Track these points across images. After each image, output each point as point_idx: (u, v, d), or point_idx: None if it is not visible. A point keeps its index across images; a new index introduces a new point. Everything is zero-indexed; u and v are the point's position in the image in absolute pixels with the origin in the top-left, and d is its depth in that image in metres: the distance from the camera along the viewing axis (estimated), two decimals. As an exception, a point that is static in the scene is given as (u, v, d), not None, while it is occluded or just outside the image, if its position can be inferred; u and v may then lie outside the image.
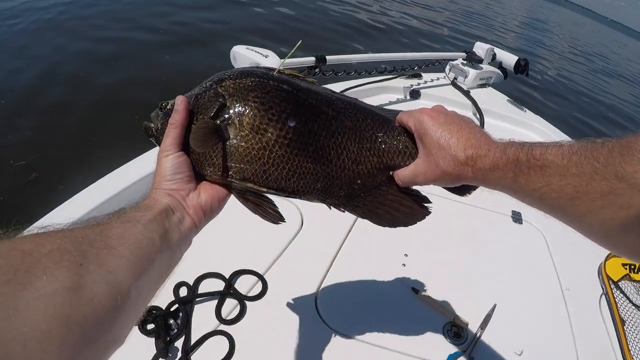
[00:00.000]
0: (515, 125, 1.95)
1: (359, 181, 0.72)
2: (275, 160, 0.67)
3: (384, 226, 0.73)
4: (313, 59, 1.54)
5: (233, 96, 0.68)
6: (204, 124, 0.66)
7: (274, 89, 0.68)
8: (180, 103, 0.68)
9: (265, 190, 0.69)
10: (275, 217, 0.70)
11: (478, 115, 1.86)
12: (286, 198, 0.71)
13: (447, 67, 2.18)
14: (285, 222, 0.68)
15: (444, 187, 0.73)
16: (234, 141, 0.67)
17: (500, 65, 2.35)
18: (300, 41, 0.78)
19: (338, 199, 0.72)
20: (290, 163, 0.68)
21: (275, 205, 0.70)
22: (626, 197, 0.46)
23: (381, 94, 1.93)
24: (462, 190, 0.74)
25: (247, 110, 0.67)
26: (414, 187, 0.74)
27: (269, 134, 0.66)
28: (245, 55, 1.45)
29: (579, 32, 26.78)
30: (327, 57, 1.56)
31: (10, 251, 0.40)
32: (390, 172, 0.73)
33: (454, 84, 2.10)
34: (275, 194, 0.70)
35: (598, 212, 0.49)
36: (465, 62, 2.20)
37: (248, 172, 0.68)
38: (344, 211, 0.73)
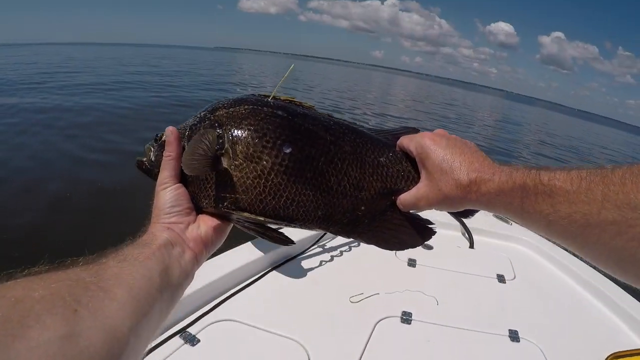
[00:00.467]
0: (503, 240, 2.04)
1: (362, 207, 0.70)
2: (272, 189, 0.66)
3: (392, 250, 0.71)
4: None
5: (226, 125, 0.67)
6: (200, 146, 0.65)
7: (268, 115, 0.67)
8: (170, 134, 0.67)
9: (262, 219, 0.66)
10: (282, 240, 0.68)
11: (467, 236, 1.97)
12: (287, 227, 0.69)
13: (434, 188, 2.34)
14: (294, 243, 0.66)
15: (446, 211, 0.73)
16: (229, 171, 0.66)
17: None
18: (292, 65, 0.75)
19: (341, 226, 0.69)
20: (288, 191, 0.66)
21: (279, 231, 0.68)
22: None
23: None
24: (465, 213, 0.73)
25: (241, 139, 0.66)
26: (417, 212, 0.73)
27: (264, 162, 0.65)
28: None
29: (550, 127, 28.38)
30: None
31: (1, 299, 0.38)
32: (393, 197, 0.72)
33: (441, 204, 2.24)
34: (274, 223, 0.68)
35: (609, 241, 0.48)
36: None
37: (244, 202, 0.66)
38: (349, 237, 0.71)
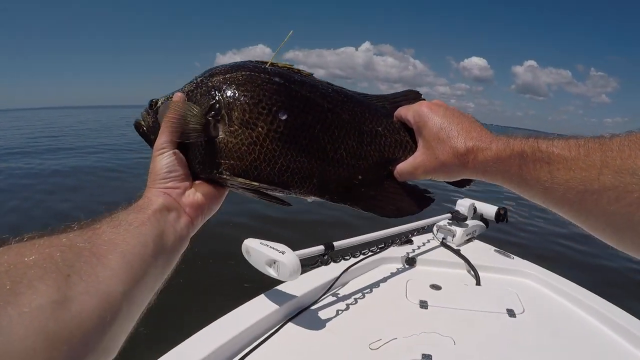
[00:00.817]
0: (507, 274, 2.08)
1: (359, 176, 0.70)
2: (267, 156, 0.65)
3: (389, 217, 0.72)
4: (322, 247, 1.70)
5: (223, 91, 0.66)
6: (192, 112, 0.64)
7: (265, 81, 0.67)
8: (178, 98, 0.67)
9: (257, 185, 0.66)
10: (280, 201, 0.68)
11: (473, 273, 2.01)
12: (282, 194, 0.68)
13: (435, 229, 2.39)
14: (291, 205, 0.68)
15: (443, 181, 0.72)
16: (224, 137, 0.65)
17: (481, 217, 2.57)
18: (291, 31, 0.75)
19: (337, 194, 0.69)
20: (283, 158, 0.65)
21: (274, 195, 0.68)
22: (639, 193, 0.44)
23: (381, 265, 2.08)
24: (461, 183, 0.74)
25: (237, 105, 0.65)
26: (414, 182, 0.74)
27: (260, 128, 0.65)
28: (259, 250, 1.52)
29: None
30: (335, 243, 1.73)
31: None
32: (390, 167, 0.72)
33: (443, 244, 2.29)
34: (269, 190, 0.67)
35: (606, 207, 0.47)
36: (450, 221, 2.42)
37: (239, 169, 0.65)
38: (345, 205, 0.70)
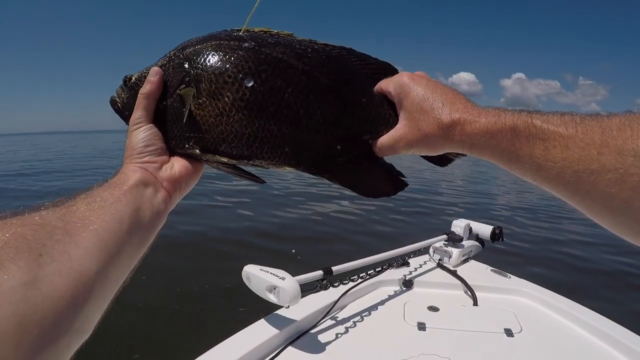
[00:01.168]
0: (504, 294, 2.09)
1: (338, 146, 0.67)
2: (234, 126, 0.63)
3: (361, 194, 0.69)
4: (320, 272, 1.72)
5: (192, 62, 0.65)
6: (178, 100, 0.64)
7: (234, 48, 0.65)
8: (155, 74, 0.66)
9: (226, 160, 0.64)
10: (253, 177, 0.67)
11: (470, 293, 2.03)
12: (258, 168, 0.67)
13: (431, 250, 2.42)
14: (264, 182, 0.67)
15: (424, 157, 0.71)
16: (193, 110, 0.64)
17: (477, 237, 2.59)
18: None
19: (313, 164, 0.67)
20: (251, 127, 0.63)
21: (247, 170, 0.67)
22: None
23: (378, 288, 2.09)
24: (443, 159, 0.72)
25: (204, 76, 0.64)
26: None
27: (226, 98, 0.63)
28: (259, 277, 1.55)
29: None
30: (333, 268, 1.76)
31: None
32: (371, 142, 0.70)
33: (440, 265, 2.31)
34: (240, 164, 0.66)
35: (604, 188, 0.45)
36: (446, 242, 2.45)
37: (207, 142, 0.64)
38: (322, 177, 0.68)
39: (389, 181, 0.71)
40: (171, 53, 0.68)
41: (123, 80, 0.71)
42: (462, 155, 0.70)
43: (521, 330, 1.73)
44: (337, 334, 1.68)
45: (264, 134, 0.64)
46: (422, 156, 0.70)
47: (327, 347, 1.60)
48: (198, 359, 1.43)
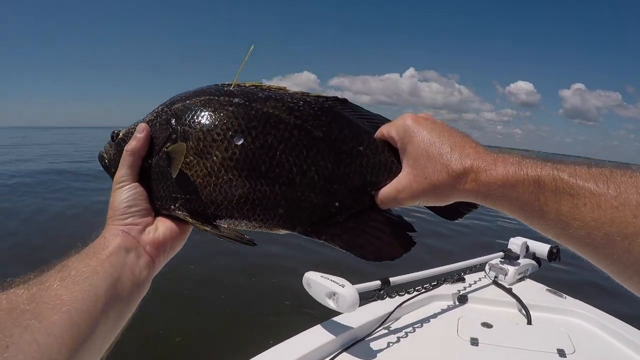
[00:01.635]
0: (559, 314, 2.08)
1: (336, 203, 0.63)
2: (223, 188, 0.60)
3: (368, 259, 0.63)
4: (378, 282, 1.82)
5: (180, 119, 0.62)
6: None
7: (223, 104, 0.62)
8: (142, 130, 0.63)
9: (209, 229, 0.61)
10: (243, 241, 0.62)
11: (524, 312, 2.05)
12: (250, 230, 0.63)
13: (487, 267, 2.44)
14: (256, 245, 0.61)
15: (431, 209, 0.65)
16: (180, 169, 0.61)
17: (534, 256, 2.57)
18: (252, 46, 0.70)
19: (310, 225, 0.62)
20: (241, 189, 0.60)
21: (238, 233, 0.62)
22: None
23: (433, 301, 2.15)
24: (454, 212, 0.66)
25: (192, 133, 0.61)
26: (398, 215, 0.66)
27: (214, 157, 0.60)
28: (319, 283, 1.64)
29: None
30: (391, 279, 1.84)
31: None
32: (373, 193, 0.64)
33: (495, 283, 2.33)
34: (231, 227, 0.62)
35: (639, 254, 0.42)
36: (503, 260, 2.46)
37: (195, 204, 0.61)
38: (320, 240, 0.63)
39: (395, 240, 0.64)
40: (159, 108, 0.66)
41: (111, 135, 0.69)
42: (475, 207, 0.65)
43: (574, 352, 1.74)
44: (390, 344, 1.77)
45: (255, 195, 0.60)
46: (428, 207, 0.64)
47: (379, 355, 1.69)
48: (255, 358, 1.53)
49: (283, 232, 0.63)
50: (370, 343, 1.77)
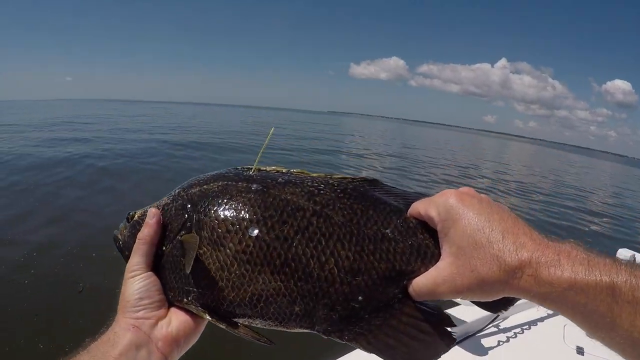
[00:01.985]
0: None
1: (359, 297, 0.56)
2: (235, 283, 0.56)
3: None
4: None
5: (196, 205, 0.60)
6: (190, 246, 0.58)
7: (240, 191, 0.59)
8: (152, 216, 0.61)
9: (224, 326, 0.57)
10: (260, 341, 0.58)
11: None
12: (264, 328, 0.59)
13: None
14: (275, 344, 0.58)
15: (472, 301, 0.56)
16: (195, 259, 0.57)
17: (642, 269, 2.50)
18: (272, 128, 0.65)
19: (331, 323, 0.56)
20: (254, 284, 0.56)
21: (255, 331, 0.59)
22: None
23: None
24: (499, 304, 0.57)
25: (206, 222, 0.58)
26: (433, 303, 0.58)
27: (228, 250, 0.56)
28: None
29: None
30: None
31: None
32: (405, 283, 0.57)
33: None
34: (245, 325, 0.59)
35: None
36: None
37: (208, 298, 0.58)
38: (343, 342, 0.56)
39: (431, 338, 0.55)
40: (176, 191, 0.64)
41: (126, 216, 0.67)
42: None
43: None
44: (500, 342, 1.93)
45: (268, 291, 0.56)
46: (472, 301, 0.56)
47: (489, 352, 1.86)
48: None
49: (299, 330, 0.58)
50: (482, 339, 1.93)
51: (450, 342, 0.55)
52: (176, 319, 0.59)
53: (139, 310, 0.57)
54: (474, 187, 0.57)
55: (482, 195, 0.54)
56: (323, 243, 0.56)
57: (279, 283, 0.55)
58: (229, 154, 12.18)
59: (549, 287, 0.44)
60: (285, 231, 0.56)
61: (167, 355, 0.56)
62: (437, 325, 0.55)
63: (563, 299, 0.44)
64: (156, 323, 0.57)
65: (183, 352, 0.60)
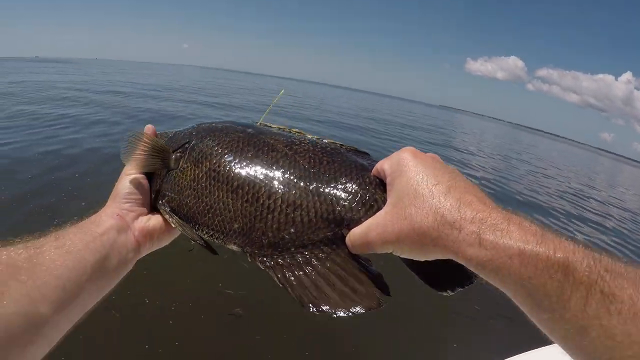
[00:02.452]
0: None
1: (291, 229, 0.57)
2: (197, 193, 0.63)
3: (303, 304, 0.52)
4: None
5: (198, 134, 0.69)
6: (150, 143, 0.66)
7: (236, 131, 0.67)
8: (147, 129, 0.70)
9: (176, 225, 0.65)
10: (207, 246, 0.65)
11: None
12: (211, 239, 0.64)
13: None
14: (217, 254, 0.64)
15: (407, 264, 0.55)
16: (176, 171, 0.67)
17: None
18: (282, 90, 0.74)
19: (259, 247, 0.58)
20: (210, 197, 0.62)
21: (204, 239, 0.64)
22: None
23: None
24: (443, 280, 0.55)
25: (198, 146, 0.67)
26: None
27: (203, 167, 0.64)
28: None
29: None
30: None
31: None
32: (344, 232, 0.56)
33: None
34: (193, 230, 0.64)
35: None
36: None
37: (175, 202, 0.66)
38: (262, 267, 0.57)
39: (350, 293, 0.53)
40: (196, 124, 0.73)
41: (127, 135, 0.72)
42: (471, 282, 0.53)
43: None
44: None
45: (218, 205, 0.62)
46: (411, 269, 0.55)
47: None
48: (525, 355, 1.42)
49: (235, 248, 0.61)
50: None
51: (371, 306, 0.51)
52: (155, 219, 0.67)
53: (126, 203, 0.65)
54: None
55: (442, 160, 0.53)
56: (280, 178, 0.60)
57: (229, 200, 0.61)
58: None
59: (492, 252, 0.40)
60: (253, 162, 0.62)
61: (140, 244, 0.64)
62: (364, 283, 0.53)
63: (506, 269, 0.39)
64: (137, 217, 0.65)
65: (154, 248, 0.68)
